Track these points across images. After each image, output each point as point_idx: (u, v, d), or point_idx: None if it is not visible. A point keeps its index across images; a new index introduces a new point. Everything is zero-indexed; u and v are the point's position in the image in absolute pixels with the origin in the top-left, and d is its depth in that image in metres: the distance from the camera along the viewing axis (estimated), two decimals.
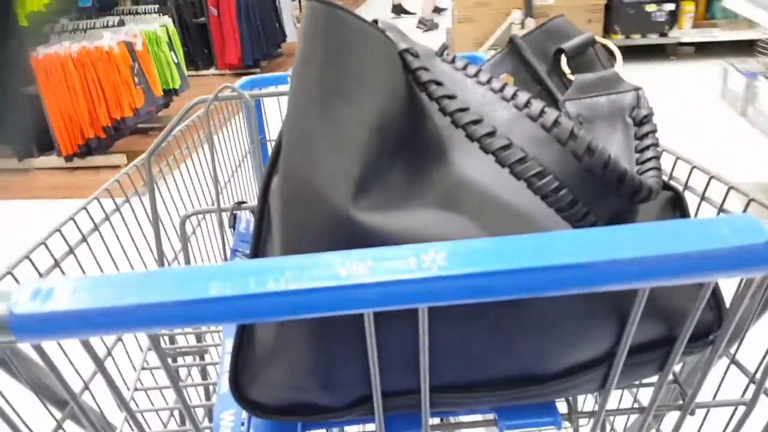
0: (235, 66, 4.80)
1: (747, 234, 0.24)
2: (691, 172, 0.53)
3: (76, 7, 3.56)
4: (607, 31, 4.32)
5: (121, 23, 3.32)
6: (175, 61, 3.62)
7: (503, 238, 0.26)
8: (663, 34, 4.30)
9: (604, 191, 0.33)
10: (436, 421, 0.44)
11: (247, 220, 0.58)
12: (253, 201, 0.80)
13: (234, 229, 0.57)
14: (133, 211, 0.62)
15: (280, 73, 0.90)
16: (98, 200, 0.56)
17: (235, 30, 4.74)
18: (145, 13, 3.76)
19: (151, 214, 0.60)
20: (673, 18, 4.25)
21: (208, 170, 0.66)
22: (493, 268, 0.25)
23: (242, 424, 0.41)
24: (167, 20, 3.68)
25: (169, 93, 3.59)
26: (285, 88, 0.81)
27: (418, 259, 0.25)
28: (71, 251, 0.49)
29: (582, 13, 4.16)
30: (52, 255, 0.49)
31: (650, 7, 4.21)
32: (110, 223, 0.57)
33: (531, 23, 4.02)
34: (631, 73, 4.08)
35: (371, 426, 0.41)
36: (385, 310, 0.25)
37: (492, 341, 0.35)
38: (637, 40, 4.32)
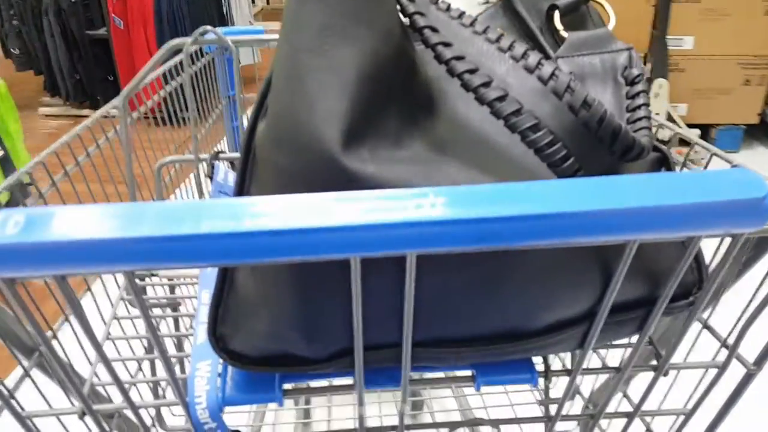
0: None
1: (746, 187, 0.24)
2: (673, 138, 0.53)
3: None
4: None
5: None
6: None
7: (496, 185, 0.25)
8: None
9: (597, 147, 0.33)
10: (415, 375, 0.44)
11: (225, 170, 0.56)
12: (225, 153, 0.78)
13: (212, 179, 0.56)
14: (103, 156, 0.60)
15: (255, 26, 0.87)
16: (69, 145, 0.54)
17: (151, 46, 3.25)
18: None
19: (125, 160, 0.58)
20: None
21: (176, 119, 0.64)
22: (488, 214, 0.24)
23: (218, 375, 0.41)
24: None
25: None
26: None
27: (412, 202, 0.25)
28: (41, 195, 0.47)
29: (735, 68, 2.64)
30: (17, 199, 0.47)
31: None
32: (80, 170, 0.55)
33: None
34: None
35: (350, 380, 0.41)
36: (373, 255, 0.25)
37: (477, 296, 0.34)
38: None
